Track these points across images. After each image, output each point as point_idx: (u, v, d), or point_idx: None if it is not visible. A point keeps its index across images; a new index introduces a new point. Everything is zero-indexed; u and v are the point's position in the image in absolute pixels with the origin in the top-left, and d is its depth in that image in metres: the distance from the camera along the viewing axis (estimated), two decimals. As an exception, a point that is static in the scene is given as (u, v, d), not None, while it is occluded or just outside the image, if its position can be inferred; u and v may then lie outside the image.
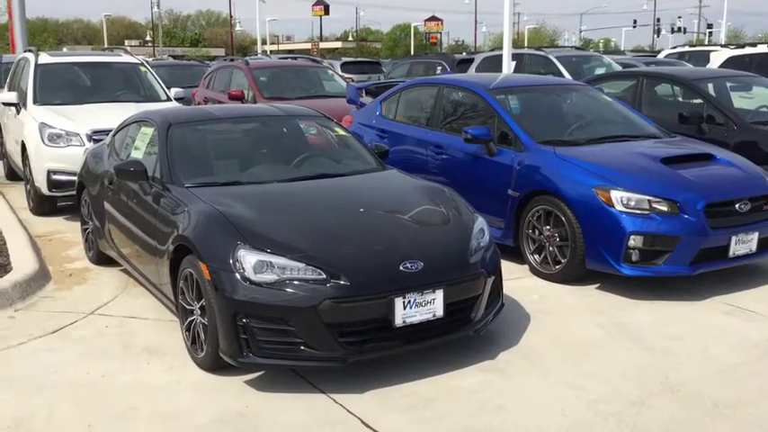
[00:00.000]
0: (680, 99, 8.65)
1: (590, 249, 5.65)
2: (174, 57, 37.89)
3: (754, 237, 5.67)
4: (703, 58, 15.09)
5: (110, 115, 7.92)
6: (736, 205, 5.59)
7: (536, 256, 6.15)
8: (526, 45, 47.44)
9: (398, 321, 4.02)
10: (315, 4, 67.92)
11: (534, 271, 6.16)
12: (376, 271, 4.03)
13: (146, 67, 9.93)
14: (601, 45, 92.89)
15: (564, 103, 7.26)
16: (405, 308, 4.03)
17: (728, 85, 9.06)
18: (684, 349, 4.69)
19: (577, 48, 19.59)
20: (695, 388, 4.15)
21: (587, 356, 4.60)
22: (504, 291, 4.90)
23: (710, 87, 8.69)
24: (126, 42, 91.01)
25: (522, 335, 4.92)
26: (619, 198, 5.49)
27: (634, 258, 5.47)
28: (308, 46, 74.46)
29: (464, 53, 22.95)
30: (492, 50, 18.28)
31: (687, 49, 19.33)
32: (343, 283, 3.91)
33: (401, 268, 4.08)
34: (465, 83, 7.22)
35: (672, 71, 9.35)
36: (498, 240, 6.41)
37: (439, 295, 4.13)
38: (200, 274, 4.06)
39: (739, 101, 8.94)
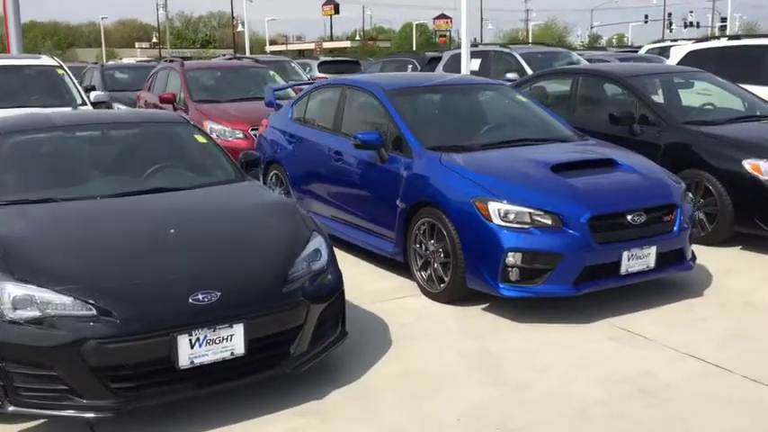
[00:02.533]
0: (614, 98, 8.06)
1: (470, 267, 5.11)
2: (184, 58, 37.55)
3: (652, 251, 5.09)
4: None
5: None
6: (629, 217, 5.02)
7: (422, 273, 5.62)
8: (530, 42, 46.65)
9: (184, 362, 3.51)
10: (325, 4, 67.56)
11: (422, 289, 5.63)
12: (157, 305, 3.52)
13: (63, 69, 9.48)
14: (614, 41, 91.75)
15: (471, 106, 6.70)
16: (192, 346, 3.52)
17: (678, 81, 8.48)
18: (544, 384, 4.14)
19: (546, 44, 18.93)
20: (532, 435, 3.62)
21: (432, 393, 4.06)
22: (357, 316, 4.40)
23: (652, 85, 8.11)
24: (136, 44, 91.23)
25: (371, 367, 4.39)
26: (496, 210, 4.95)
27: (513, 277, 4.93)
28: (313, 46, 74.02)
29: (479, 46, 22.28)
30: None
31: (669, 44, 18.63)
32: (112, 319, 3.40)
33: (191, 300, 3.57)
34: (364, 84, 6.68)
35: (606, 68, 8.78)
36: (390, 255, 5.91)
37: (238, 330, 3.62)
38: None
39: (690, 98, 8.35)
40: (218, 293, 3.62)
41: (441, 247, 5.37)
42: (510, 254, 4.88)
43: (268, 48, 68.58)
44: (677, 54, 11.10)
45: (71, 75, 9.61)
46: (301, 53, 67.66)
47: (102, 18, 63.83)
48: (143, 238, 3.95)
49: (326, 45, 74.54)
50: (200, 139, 5.40)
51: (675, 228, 5.23)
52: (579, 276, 4.91)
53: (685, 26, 76.33)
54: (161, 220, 4.18)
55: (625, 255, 4.99)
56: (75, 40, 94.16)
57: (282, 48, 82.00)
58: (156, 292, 3.57)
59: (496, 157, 5.61)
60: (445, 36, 73.32)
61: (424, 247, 5.56)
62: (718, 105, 8.01)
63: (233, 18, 66.90)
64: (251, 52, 44.64)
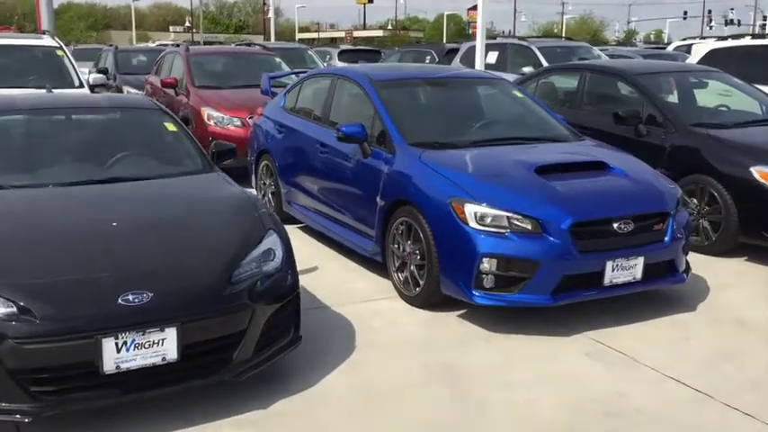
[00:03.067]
0: (622, 96, 7.69)
1: (444, 271, 4.84)
2: (209, 43, 37.41)
3: (639, 262, 4.77)
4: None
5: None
6: (615, 225, 4.70)
7: (399, 275, 5.35)
8: (564, 37, 45.80)
9: (109, 367, 3.29)
10: (358, -7, 67.50)
11: (399, 292, 5.37)
12: (81, 305, 3.30)
13: (63, 51, 9.34)
14: (652, 37, 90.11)
15: (464, 101, 6.39)
16: (119, 350, 3.29)
17: (692, 80, 8.08)
18: (504, 403, 3.86)
19: (568, 38, 18.43)
20: (482, 460, 3.35)
21: (384, 408, 3.81)
22: (325, 318, 4.15)
23: (662, 83, 7.73)
24: (170, 28, 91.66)
25: (325, 376, 4.14)
26: (473, 213, 4.66)
27: (487, 285, 4.64)
28: (343, 34, 73.79)
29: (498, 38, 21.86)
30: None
31: (697, 41, 18.04)
32: (32, 319, 3.19)
33: (120, 301, 3.34)
34: (352, 74, 6.40)
35: (615, 65, 8.40)
36: (369, 255, 5.66)
37: (170, 334, 3.39)
38: None
39: (704, 99, 7.95)
40: (151, 294, 3.39)
41: (417, 249, 5.10)
42: (485, 259, 4.60)
43: (297, 35, 68.47)
44: (698, 52, 10.65)
45: (71, 56, 9.46)
46: (333, 41, 67.49)
47: (134, 0, 63.75)
48: (82, 231, 3.74)
49: (358, 34, 74.27)
50: (171, 127, 5.18)
51: (666, 238, 4.90)
52: (558, 286, 4.60)
53: (726, 24, 74.61)
54: (107, 212, 3.96)
55: (609, 265, 4.67)
56: (110, 22, 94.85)
57: (314, 35, 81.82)
58: (83, 290, 3.35)
59: (481, 155, 5.32)
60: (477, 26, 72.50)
61: (401, 248, 5.30)
62: (732, 107, 7.61)
63: (264, 3, 66.82)
64: (280, 39, 44.47)
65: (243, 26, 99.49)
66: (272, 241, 4.00)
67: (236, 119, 9.10)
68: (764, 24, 68.84)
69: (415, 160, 5.24)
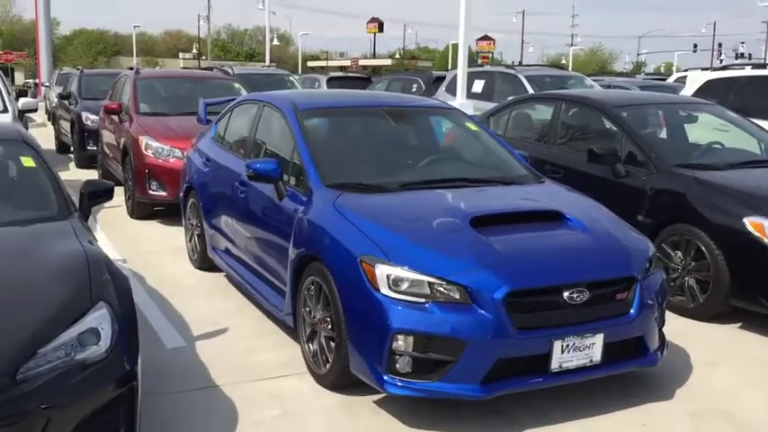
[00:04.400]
0: (599, 131, 6.75)
1: (353, 347, 3.86)
2: (211, 68, 36.81)
3: (597, 341, 3.77)
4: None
5: None
6: (565, 294, 3.70)
7: (310, 346, 4.37)
8: (570, 69, 44.97)
9: None
10: (369, 22, 67.34)
11: (308, 367, 4.38)
12: None
13: (-6, 74, 8.50)
14: (662, 69, 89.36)
15: (405, 134, 5.46)
16: None
17: (680, 114, 7.14)
18: None
19: (557, 66, 17.56)
20: None
21: None
22: (205, 403, 3.16)
23: (645, 117, 6.79)
24: (180, 55, 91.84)
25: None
26: (385, 276, 3.69)
27: (402, 369, 3.65)
28: (348, 62, 73.51)
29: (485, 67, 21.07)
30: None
31: (692, 71, 17.12)
32: None
33: None
34: (278, 100, 5.47)
35: (592, 95, 7.45)
36: (280, 317, 4.69)
37: None
38: None
39: (695, 135, 7.00)
40: None
41: (328, 316, 4.13)
42: (399, 337, 3.62)
43: (306, 63, 68.11)
44: (694, 82, 9.70)
45: (4, 79, 8.62)
46: (342, 69, 67.10)
47: (135, 27, 63.72)
48: None
49: (367, 62, 73.91)
50: (28, 162, 4.24)
51: (632, 309, 3.90)
52: (491, 372, 3.61)
53: (736, 57, 73.89)
54: None
55: (557, 345, 3.68)
56: (121, 49, 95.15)
57: (324, 63, 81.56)
58: None
59: (409, 201, 4.36)
60: (487, 57, 72.10)
61: (312, 313, 4.33)
62: (727, 145, 6.64)
63: (269, 31, 66.72)
64: (286, 66, 44.01)
65: (253, 54, 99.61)
66: (98, 318, 3.04)
67: (176, 150, 8.19)
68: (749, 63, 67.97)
69: (329, 205, 4.29)
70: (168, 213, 8.43)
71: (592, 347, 3.77)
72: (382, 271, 3.70)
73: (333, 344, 4.05)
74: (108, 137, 10.10)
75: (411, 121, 5.55)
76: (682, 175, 5.69)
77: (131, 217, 8.68)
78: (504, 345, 3.59)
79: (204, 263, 6.42)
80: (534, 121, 7.75)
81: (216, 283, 6.17)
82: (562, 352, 3.70)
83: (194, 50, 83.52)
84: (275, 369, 4.48)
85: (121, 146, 9.03)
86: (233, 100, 6.89)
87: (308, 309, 4.39)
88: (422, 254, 3.76)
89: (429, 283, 3.64)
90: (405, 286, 3.66)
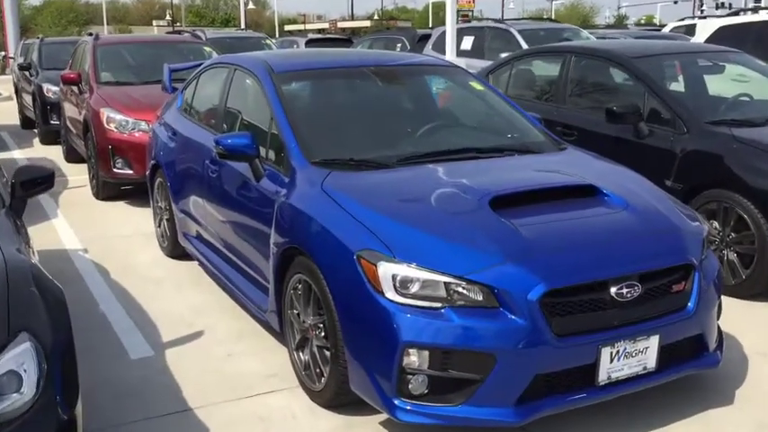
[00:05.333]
0: (616, 86, 6.01)
1: (354, 362, 3.15)
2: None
3: (651, 344, 3.08)
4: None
5: None
6: (613, 289, 3.00)
7: (300, 355, 3.67)
8: (548, 18, 43.76)
9: None
10: (345, -18, 65.75)
11: (299, 380, 3.68)
12: None
13: None
14: (642, 21, 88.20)
15: (400, 98, 4.69)
16: None
17: (701, 64, 6.40)
18: None
19: (551, 20, 16.72)
20: None
21: None
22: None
23: (667, 69, 6.05)
24: (154, 23, 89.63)
25: None
26: (390, 277, 2.97)
27: (416, 390, 2.95)
28: (327, 25, 71.89)
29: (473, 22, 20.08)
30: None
31: (696, 21, 16.36)
32: None
33: None
34: (250, 62, 4.68)
35: (607, 46, 6.66)
36: (263, 317, 3.98)
37: None
38: None
39: (720, 87, 6.27)
40: None
41: (320, 322, 3.42)
42: (410, 351, 2.91)
43: (283, 27, 66.47)
44: (704, 31, 8.95)
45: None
46: (321, 31, 65.56)
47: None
48: None
49: (344, 24, 72.25)
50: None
51: (691, 303, 3.20)
52: (527, 391, 2.92)
53: (717, 7, 72.90)
54: None
55: (606, 353, 2.99)
56: (93, 17, 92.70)
57: (301, 27, 79.83)
58: None
59: (413, 180, 3.61)
60: (467, 16, 70.70)
61: (301, 317, 3.62)
62: (757, 98, 5.92)
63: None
64: (263, 30, 42.58)
65: (229, 19, 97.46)
66: (19, 356, 2.30)
67: (142, 122, 7.35)
68: (757, 6, 67.14)
69: (315, 188, 3.54)
70: (137, 193, 7.65)
71: (645, 352, 3.08)
72: (386, 270, 2.98)
73: (327, 353, 3.35)
74: (70, 110, 9.24)
75: (406, 83, 4.77)
76: (717, 133, 4.98)
77: (96, 198, 7.87)
78: (543, 357, 2.89)
79: (176, 250, 5.68)
80: (539, 78, 7.00)
81: (189, 274, 5.43)
82: (611, 360, 3.01)
83: (168, 17, 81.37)
84: (260, 383, 3.77)
85: (82, 120, 8.19)
86: (201, 65, 6.07)
87: (295, 311, 3.67)
88: (434, 246, 3.03)
89: (445, 283, 2.93)
90: (415, 288, 2.95)
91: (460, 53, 11.70)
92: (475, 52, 12.20)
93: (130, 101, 7.68)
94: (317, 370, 3.49)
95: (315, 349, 3.48)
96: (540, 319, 2.87)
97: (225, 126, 4.79)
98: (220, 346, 4.21)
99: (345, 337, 3.15)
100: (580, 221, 3.27)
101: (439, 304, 2.92)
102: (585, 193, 3.51)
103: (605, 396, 3.07)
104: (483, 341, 2.86)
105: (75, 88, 8.73)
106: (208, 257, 4.96)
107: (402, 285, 2.95)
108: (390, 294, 2.95)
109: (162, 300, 4.92)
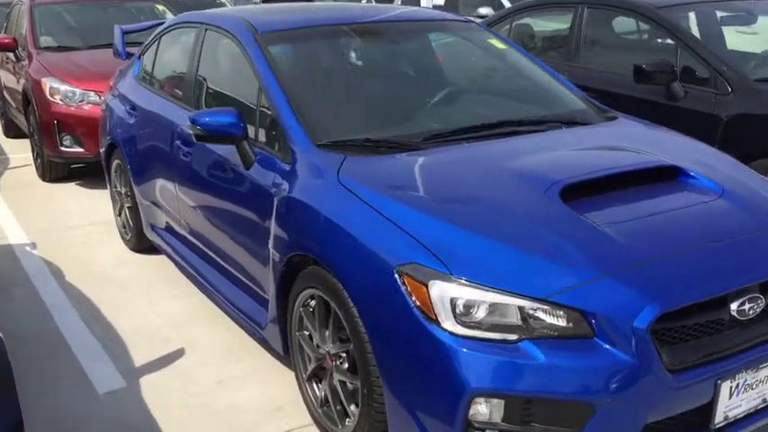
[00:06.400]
0: (640, 41, 5.31)
1: (397, 407, 2.43)
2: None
3: (774, 372, 2.44)
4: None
5: None
6: (733, 306, 2.33)
7: (315, 389, 2.94)
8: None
9: None
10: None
11: (314, 417, 2.96)
12: None
13: None
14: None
15: (411, 62, 3.90)
16: None
17: (719, 15, 5.72)
18: None
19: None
20: None
21: None
22: None
23: (702, 19, 5.35)
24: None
25: None
26: (449, 301, 2.24)
27: (485, 447, 2.26)
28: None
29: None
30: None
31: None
32: None
33: None
34: (227, 21, 3.83)
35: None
36: (261, 337, 3.24)
37: None
38: None
39: (736, 39, 5.63)
40: None
41: (343, 350, 2.69)
42: (480, 401, 2.21)
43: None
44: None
45: None
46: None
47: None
48: None
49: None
50: None
51: (817, 315, 2.56)
52: (630, 446, 2.25)
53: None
54: None
55: (725, 388, 2.32)
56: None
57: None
58: None
59: (452, 166, 2.86)
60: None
61: (314, 341, 2.88)
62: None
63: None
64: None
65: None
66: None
67: (91, 93, 6.41)
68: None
69: (329, 179, 2.78)
70: (90, 173, 6.74)
71: (766, 382, 2.43)
72: (442, 292, 2.25)
73: (352, 388, 2.64)
74: (7, 79, 8.19)
75: (417, 41, 3.97)
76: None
77: (43, 180, 6.90)
78: (654, 400, 2.21)
79: (141, 243, 4.85)
80: (540, 36, 6.27)
81: (160, 273, 4.62)
82: (730, 396, 2.35)
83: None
84: (262, 420, 3.05)
85: (21, 90, 7.19)
86: (160, 25, 5.17)
87: (306, 332, 2.94)
88: (503, 258, 2.31)
89: (519, 308, 2.22)
90: (481, 315, 2.23)
91: (433, 8, 10.90)
92: (449, 6, 11.40)
93: (77, 68, 6.71)
94: (339, 407, 2.77)
95: (336, 383, 2.76)
96: (651, 352, 2.19)
97: (197, 99, 3.96)
98: (207, 370, 3.46)
99: (384, 376, 2.43)
100: (675, 216, 2.57)
101: (514, 336, 2.21)
102: (666, 177, 2.82)
103: (720, 440, 2.41)
104: (576, 384, 2.17)
105: (11, 55, 7.69)
106: (183, 255, 4.17)
107: (464, 311, 2.23)
108: (449, 324, 2.23)
109: (131, 309, 4.12)
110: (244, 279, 3.46)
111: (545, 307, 2.20)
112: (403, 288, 2.32)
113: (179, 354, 3.62)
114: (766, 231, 2.56)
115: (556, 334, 2.21)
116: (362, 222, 2.54)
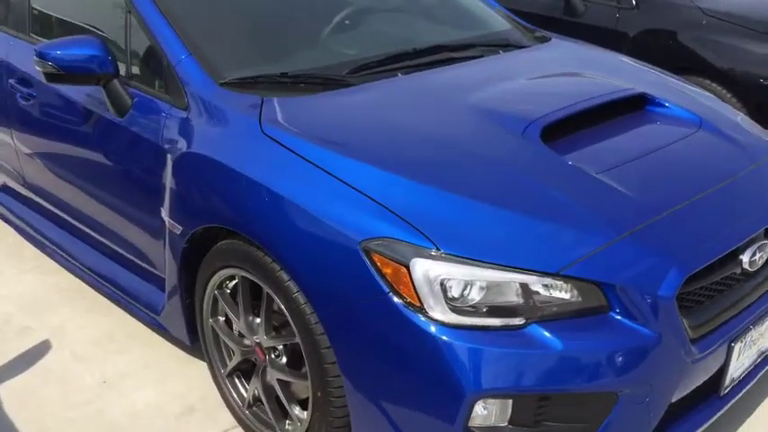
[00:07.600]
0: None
1: (368, 413, 1.95)
2: None
3: (776, 322, 2.20)
4: None
5: None
6: (744, 257, 2.03)
7: (241, 387, 2.40)
8: None
9: None
10: None
11: (238, 418, 2.42)
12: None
13: None
14: None
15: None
16: None
17: None
18: None
19: None
20: None
21: None
22: None
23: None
24: None
25: None
26: (438, 284, 1.77)
27: (489, 453, 1.85)
28: None
29: None
30: None
31: None
32: None
33: None
34: None
35: None
36: (157, 324, 2.61)
37: None
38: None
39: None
40: None
41: (281, 343, 2.16)
42: (481, 403, 1.78)
43: None
44: None
45: None
46: None
47: None
48: None
49: None
50: None
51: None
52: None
53: None
54: None
55: (736, 350, 2.04)
56: None
57: None
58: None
59: (398, 105, 2.33)
60: None
61: (238, 330, 2.32)
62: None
63: None
64: None
65: None
66: None
67: None
68: None
69: (250, 129, 2.17)
70: None
71: (766, 335, 2.19)
72: (428, 272, 1.77)
73: (295, 389, 2.14)
74: None
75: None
76: (677, 4, 4.11)
77: None
78: (679, 376, 1.89)
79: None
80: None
81: (6, 241, 3.76)
82: (738, 357, 2.08)
83: None
84: (173, 429, 2.47)
85: None
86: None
87: (222, 318, 2.37)
88: (495, 223, 1.86)
89: (522, 285, 1.79)
90: (476, 297, 1.78)
91: None
92: None
93: None
94: (274, 406, 2.26)
95: (272, 381, 2.23)
96: (676, 323, 1.85)
97: (33, 24, 3.11)
98: (84, 367, 2.79)
99: (349, 379, 1.94)
100: (667, 155, 2.21)
101: (519, 320, 1.78)
102: (635, 107, 2.46)
103: (727, 405, 2.15)
104: (597, 371, 1.79)
105: None
106: (29, 221, 3.37)
107: (455, 294, 1.78)
108: (438, 313, 1.77)
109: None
110: (125, 253, 2.78)
111: (557, 282, 1.79)
112: (371, 269, 1.81)
113: (45, 347, 2.91)
114: (762, 164, 2.28)
115: (567, 313, 1.80)
116: (307, 187, 1.98)
